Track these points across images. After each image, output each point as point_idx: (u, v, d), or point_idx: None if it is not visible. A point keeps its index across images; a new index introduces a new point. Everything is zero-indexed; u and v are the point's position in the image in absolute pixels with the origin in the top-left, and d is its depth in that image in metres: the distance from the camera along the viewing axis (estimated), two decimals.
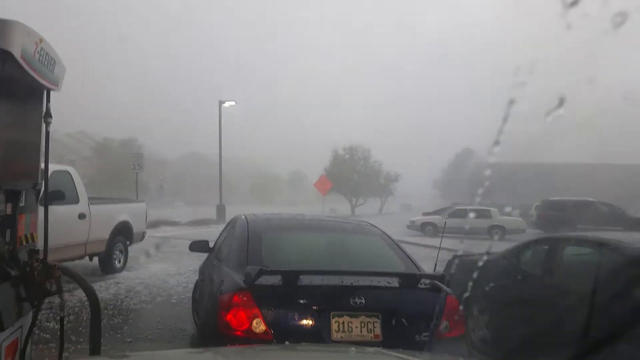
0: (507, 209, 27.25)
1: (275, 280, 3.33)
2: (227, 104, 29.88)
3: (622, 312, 3.85)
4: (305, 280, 3.36)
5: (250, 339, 3.14)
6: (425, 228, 24.38)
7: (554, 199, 24.50)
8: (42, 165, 3.49)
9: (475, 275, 5.99)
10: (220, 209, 27.62)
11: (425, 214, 29.14)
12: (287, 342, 2.85)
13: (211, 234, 7.64)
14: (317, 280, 3.43)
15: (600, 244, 4.72)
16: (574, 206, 22.58)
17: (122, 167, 37.39)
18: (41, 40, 2.89)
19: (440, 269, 4.32)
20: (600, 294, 4.12)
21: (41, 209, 3.64)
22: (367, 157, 54.15)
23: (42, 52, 2.92)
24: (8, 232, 3.03)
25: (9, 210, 3.00)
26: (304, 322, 3.25)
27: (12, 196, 3.02)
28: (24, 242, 3.24)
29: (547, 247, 5.28)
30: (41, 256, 3.24)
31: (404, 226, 25.22)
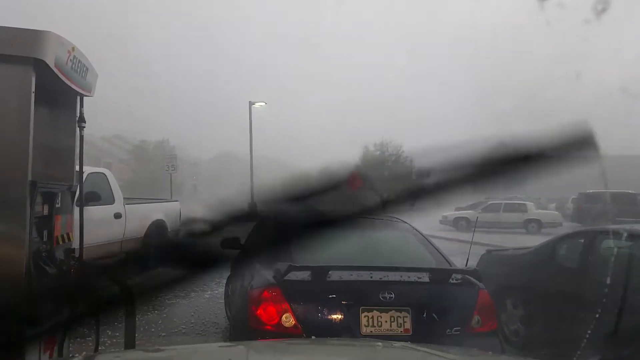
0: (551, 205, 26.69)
1: (305, 275, 3.35)
2: (257, 105, 30.11)
3: None
4: (334, 275, 3.36)
5: (280, 333, 3.17)
6: (458, 223, 24.08)
7: (592, 191, 23.81)
8: (77, 167, 3.59)
9: (509, 269, 5.92)
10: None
11: (458, 208, 28.74)
12: (314, 337, 2.87)
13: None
14: (346, 275, 3.43)
15: (638, 236, 4.58)
16: (613, 198, 21.86)
17: (157, 169, 38.20)
18: (74, 48, 2.99)
19: (473, 264, 4.26)
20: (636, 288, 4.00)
21: (77, 210, 3.75)
22: (399, 153, 53.76)
23: (74, 60, 3.02)
24: (45, 232, 3.14)
25: (45, 212, 3.11)
26: (333, 316, 3.26)
27: (49, 198, 3.13)
28: (61, 242, 3.35)
29: (583, 240, 5.15)
30: (77, 255, 3.36)
31: (437, 221, 24.93)
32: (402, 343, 1.87)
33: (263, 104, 30.65)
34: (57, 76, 2.84)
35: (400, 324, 3.25)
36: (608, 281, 4.37)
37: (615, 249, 4.97)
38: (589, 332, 4.00)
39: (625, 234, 4.87)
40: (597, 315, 4.09)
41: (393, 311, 3.27)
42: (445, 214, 26.41)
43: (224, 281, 7.15)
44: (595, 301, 4.24)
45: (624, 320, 3.76)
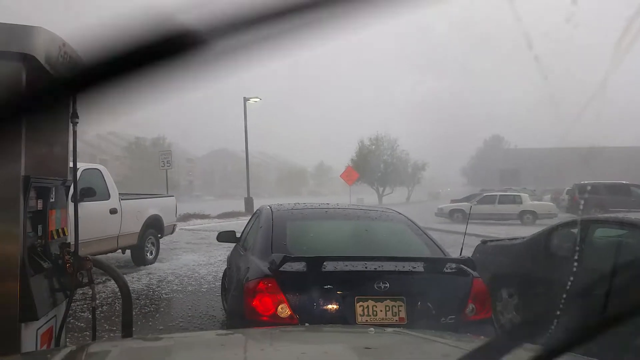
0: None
1: (300, 266, 3.37)
2: (251, 101, 30.09)
3: None
4: (329, 266, 3.38)
5: (276, 324, 3.18)
6: (453, 215, 24.17)
7: (586, 182, 23.93)
8: (71, 163, 3.59)
9: (503, 259, 5.96)
10: (249, 202, 27.93)
11: (453, 201, 28.89)
12: (307, 324, 2.89)
13: (240, 225, 7.74)
14: (341, 265, 3.45)
15: (630, 225, 4.62)
16: (607, 189, 22.01)
17: (153, 165, 38.17)
18: (64, 44, 2.98)
19: (468, 254, 4.28)
20: (626, 275, 4.04)
21: (72, 205, 3.75)
22: (394, 147, 53.88)
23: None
24: (40, 227, 3.14)
25: (39, 206, 3.10)
26: (329, 306, 3.28)
27: (43, 193, 3.13)
28: (55, 237, 3.35)
29: (576, 230, 5.19)
30: (73, 249, 3.36)
31: (432, 214, 25.05)
32: (394, 329, 1.89)
33: (258, 99, 30.60)
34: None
35: (395, 312, 3.28)
36: (600, 269, 4.41)
37: (607, 238, 5.01)
38: (581, 320, 4.04)
39: (616, 223, 4.92)
40: (588, 304, 4.13)
41: (388, 300, 3.29)
42: (440, 206, 26.55)
43: (221, 275, 7.18)
44: (587, 290, 4.28)
45: (612, 305, 3.81)
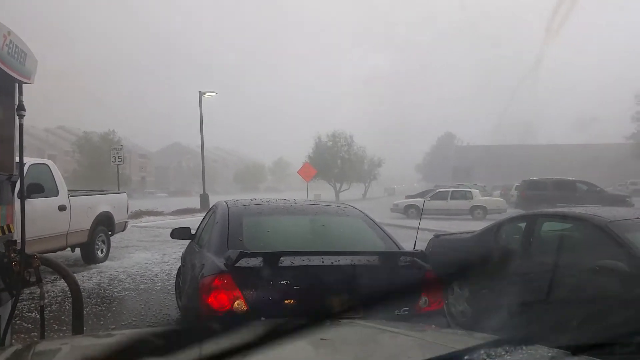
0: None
1: (256, 262, 3.35)
2: (207, 95, 29.64)
3: (596, 281, 3.99)
4: (286, 261, 3.38)
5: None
6: (408, 210, 24.61)
7: (534, 178, 24.84)
8: (17, 158, 3.46)
9: (455, 252, 6.13)
10: (204, 198, 27.52)
11: (408, 197, 29.48)
12: (263, 318, 2.90)
13: (195, 222, 7.61)
14: (297, 260, 3.46)
15: (574, 219, 4.85)
16: (554, 185, 22.93)
17: (104, 161, 37.03)
18: (9, 32, 2.86)
19: (421, 248, 4.38)
20: (573, 265, 4.24)
21: (19, 201, 3.62)
22: (350, 144, 54.23)
23: (11, 45, 2.89)
24: None
25: None
26: (285, 302, 3.29)
27: None
28: (0, 234, 3.22)
29: (523, 224, 5.39)
30: (19, 247, 3.23)
31: (388, 209, 25.43)
32: (349, 320, 1.92)
33: (214, 93, 30.18)
34: None
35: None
36: (547, 261, 4.61)
37: (553, 231, 5.24)
38: (531, 311, 4.21)
39: (561, 217, 5.15)
40: (536, 294, 4.31)
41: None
42: (396, 202, 26.99)
43: (175, 273, 7.06)
44: (535, 281, 4.47)
45: (556, 292, 4.00)
